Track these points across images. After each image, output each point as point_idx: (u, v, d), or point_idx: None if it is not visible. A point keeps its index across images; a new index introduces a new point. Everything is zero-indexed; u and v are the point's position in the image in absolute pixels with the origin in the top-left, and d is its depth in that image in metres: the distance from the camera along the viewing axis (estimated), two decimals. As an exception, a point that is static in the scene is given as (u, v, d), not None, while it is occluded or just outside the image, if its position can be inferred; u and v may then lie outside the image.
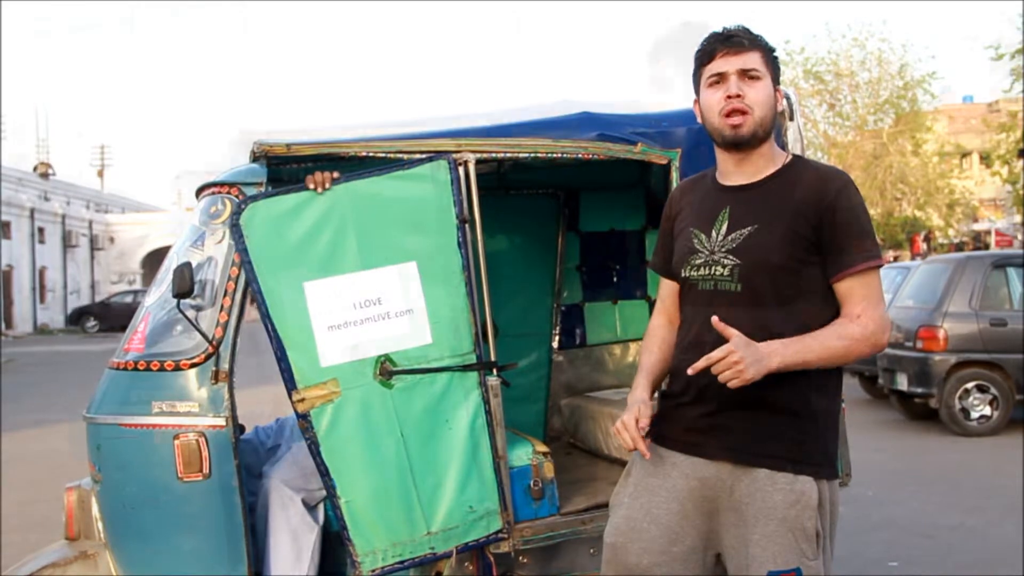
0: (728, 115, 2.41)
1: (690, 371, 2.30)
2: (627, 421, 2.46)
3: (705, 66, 2.47)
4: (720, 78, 2.43)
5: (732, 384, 2.23)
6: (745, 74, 2.42)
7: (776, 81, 2.49)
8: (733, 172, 2.51)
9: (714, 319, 2.27)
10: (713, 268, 2.44)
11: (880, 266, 2.40)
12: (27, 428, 11.09)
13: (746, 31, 2.47)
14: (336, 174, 3.21)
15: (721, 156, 2.53)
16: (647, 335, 2.74)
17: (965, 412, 9.85)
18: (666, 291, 2.71)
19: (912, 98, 31.33)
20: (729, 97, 2.41)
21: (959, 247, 34.60)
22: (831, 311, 2.40)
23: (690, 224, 2.55)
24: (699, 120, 2.55)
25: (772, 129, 2.47)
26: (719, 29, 2.49)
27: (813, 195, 2.38)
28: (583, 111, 3.62)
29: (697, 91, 2.54)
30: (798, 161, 2.52)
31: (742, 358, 2.20)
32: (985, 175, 33.59)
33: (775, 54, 2.50)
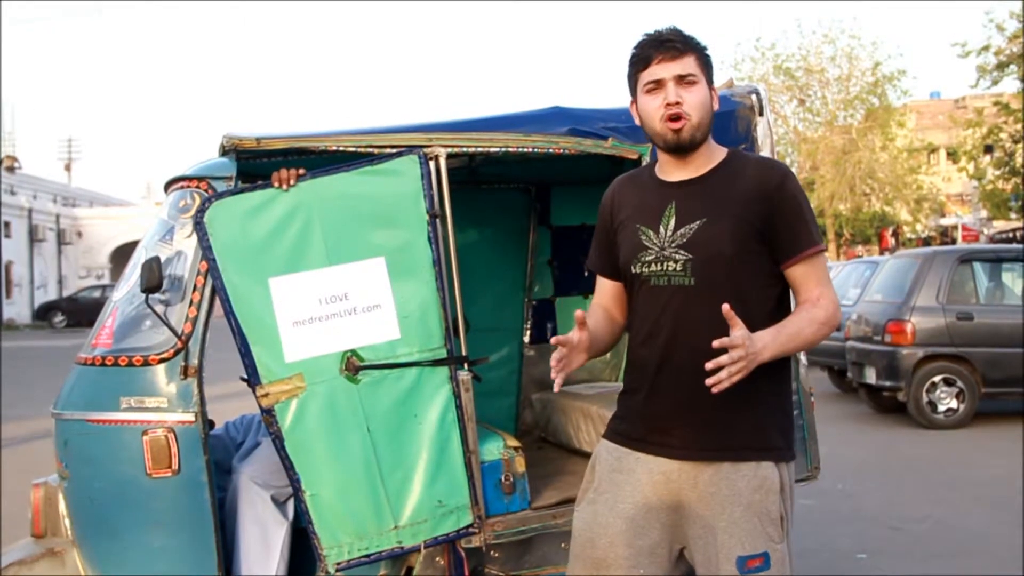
0: (668, 120, 2.43)
1: (709, 366, 2.21)
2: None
3: (641, 72, 2.49)
4: (657, 85, 2.45)
5: (734, 380, 2.19)
6: (682, 80, 2.43)
7: (710, 81, 2.50)
8: (675, 170, 2.54)
9: (725, 307, 2.22)
10: (665, 264, 2.46)
11: (824, 250, 2.47)
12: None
13: (679, 34, 2.48)
14: (302, 171, 3.20)
15: (662, 156, 2.56)
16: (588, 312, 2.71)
17: (932, 405, 9.95)
18: (605, 290, 2.72)
19: (882, 94, 31.60)
20: (668, 104, 2.42)
21: (927, 242, 34.94)
22: (774, 301, 2.46)
23: (635, 221, 2.55)
24: (637, 122, 2.57)
25: (710, 129, 2.49)
26: (652, 32, 2.50)
27: (757, 186, 2.43)
28: (554, 106, 3.63)
29: (633, 94, 2.55)
30: (735, 155, 2.57)
31: (747, 354, 2.20)
32: (952, 171, 33.90)
33: (707, 53, 2.51)
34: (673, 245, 2.45)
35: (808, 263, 2.42)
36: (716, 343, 2.21)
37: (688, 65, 2.44)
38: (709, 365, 2.21)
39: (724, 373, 2.19)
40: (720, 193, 2.45)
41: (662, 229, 2.48)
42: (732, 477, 2.40)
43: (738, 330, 2.20)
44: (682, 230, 2.45)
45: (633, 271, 2.53)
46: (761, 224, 2.40)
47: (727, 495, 2.40)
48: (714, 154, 2.53)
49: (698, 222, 2.43)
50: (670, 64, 2.43)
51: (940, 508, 6.55)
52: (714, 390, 2.20)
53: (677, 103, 2.42)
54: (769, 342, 2.29)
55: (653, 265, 2.48)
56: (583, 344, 2.48)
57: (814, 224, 2.46)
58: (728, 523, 2.39)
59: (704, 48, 2.50)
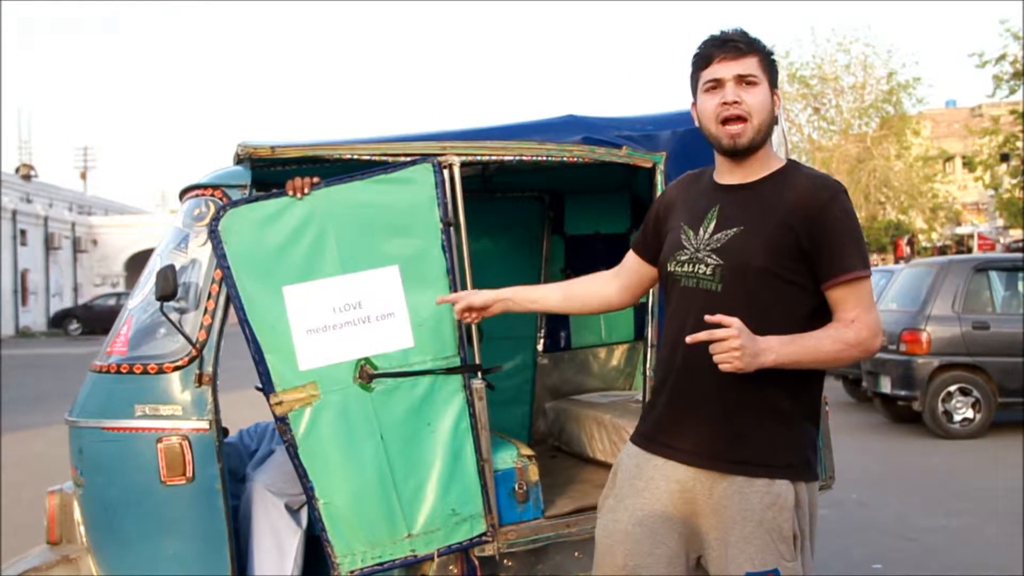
0: (725, 122, 2.41)
1: (688, 339, 2.28)
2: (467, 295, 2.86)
3: (702, 71, 2.46)
4: (717, 84, 2.43)
5: (723, 367, 2.23)
6: (742, 80, 2.41)
7: (773, 84, 2.47)
8: (728, 173, 2.51)
9: (707, 316, 2.25)
10: (696, 266, 2.45)
11: (868, 276, 2.38)
12: (9, 431, 11.01)
13: (743, 35, 2.45)
14: (316, 179, 3.21)
15: (718, 157, 2.53)
16: (591, 275, 2.90)
17: (948, 415, 9.90)
18: (628, 261, 2.79)
19: (897, 102, 31.49)
20: (726, 103, 2.40)
21: (942, 251, 34.79)
22: (805, 319, 2.38)
23: (681, 219, 2.55)
24: (696, 124, 2.55)
25: (770, 133, 2.46)
26: (716, 32, 2.48)
27: (804, 201, 2.36)
28: (568, 114, 3.63)
29: (694, 94, 2.53)
30: (793, 166, 2.50)
31: (742, 345, 2.20)
32: (968, 179, 33.77)
33: (773, 57, 2.49)
34: (707, 249, 2.44)
35: (848, 287, 2.34)
36: (708, 317, 2.24)
37: (750, 65, 2.41)
38: (690, 338, 2.27)
39: (715, 348, 2.22)
40: (765, 203, 2.41)
41: (701, 231, 2.47)
42: (745, 492, 2.37)
43: (734, 319, 2.22)
44: (718, 235, 2.43)
45: (668, 269, 2.54)
46: (804, 240, 2.34)
47: (739, 510, 2.38)
48: (770, 162, 2.49)
49: (735, 229, 2.41)
50: (731, 64, 2.41)
51: (955, 519, 6.51)
52: (722, 367, 2.23)
53: (735, 102, 2.40)
54: (776, 346, 2.26)
55: (686, 266, 2.48)
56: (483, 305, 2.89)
57: (860, 247, 2.37)
58: (739, 538, 2.37)
59: (769, 52, 2.47)
